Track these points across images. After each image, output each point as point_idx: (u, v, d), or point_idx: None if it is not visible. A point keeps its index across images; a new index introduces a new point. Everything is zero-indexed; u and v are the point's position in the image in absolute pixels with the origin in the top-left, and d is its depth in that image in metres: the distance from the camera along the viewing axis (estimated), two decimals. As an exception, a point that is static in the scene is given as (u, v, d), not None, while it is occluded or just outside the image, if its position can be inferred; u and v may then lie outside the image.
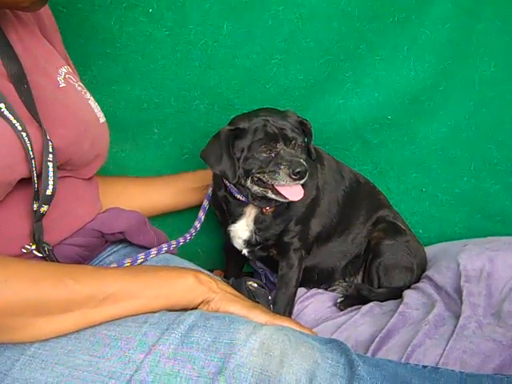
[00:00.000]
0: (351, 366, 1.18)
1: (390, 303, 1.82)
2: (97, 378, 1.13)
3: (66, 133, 1.32)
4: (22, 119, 1.20)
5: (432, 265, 1.95)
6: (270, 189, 1.65)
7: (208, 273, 1.49)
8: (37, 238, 1.29)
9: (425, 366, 1.25)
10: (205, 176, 1.93)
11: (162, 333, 1.19)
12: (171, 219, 2.06)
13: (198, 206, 1.91)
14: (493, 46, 2.03)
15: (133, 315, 1.24)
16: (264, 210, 1.76)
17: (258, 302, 1.49)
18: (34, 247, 1.30)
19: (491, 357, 1.47)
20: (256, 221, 1.78)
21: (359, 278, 1.99)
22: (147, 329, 1.20)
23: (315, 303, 1.89)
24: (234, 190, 1.74)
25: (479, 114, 2.12)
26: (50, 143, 1.24)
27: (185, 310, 1.30)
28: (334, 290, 1.99)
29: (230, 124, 1.71)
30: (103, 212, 1.56)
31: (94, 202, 1.56)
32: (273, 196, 1.66)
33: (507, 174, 2.20)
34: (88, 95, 1.50)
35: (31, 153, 1.20)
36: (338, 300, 1.87)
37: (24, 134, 1.19)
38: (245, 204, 1.77)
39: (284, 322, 1.35)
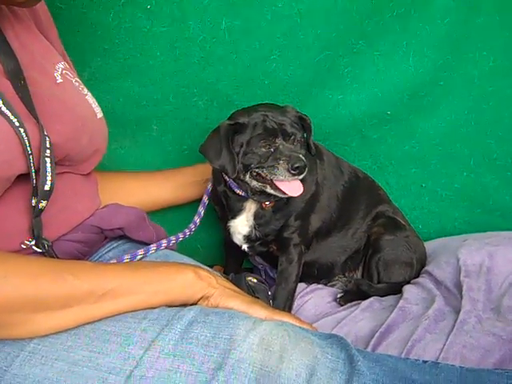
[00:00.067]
0: (351, 362, 1.18)
1: (390, 298, 1.83)
2: (96, 374, 1.13)
3: (63, 128, 1.32)
4: (20, 115, 1.20)
5: (432, 260, 1.95)
6: (268, 184, 1.65)
7: (207, 268, 1.49)
8: (36, 233, 1.29)
9: (425, 361, 1.24)
10: (204, 170, 1.93)
11: (161, 328, 1.19)
12: (171, 214, 2.05)
13: (197, 201, 1.91)
14: (492, 40, 2.02)
15: (132, 311, 1.24)
16: (264, 205, 1.76)
17: (258, 298, 1.49)
18: (33, 243, 1.30)
19: (491, 351, 1.47)
20: (256, 216, 1.78)
21: (359, 274, 2.00)
22: (147, 324, 1.20)
23: (315, 298, 1.89)
24: (233, 184, 1.74)
25: (479, 108, 2.12)
26: (47, 139, 1.25)
27: (184, 305, 1.30)
28: (333, 286, 1.99)
29: (229, 119, 1.71)
30: (102, 208, 1.56)
31: (92, 198, 1.56)
32: (272, 191, 1.66)
33: (507, 169, 2.19)
34: (85, 91, 1.50)
35: (29, 148, 1.20)
36: (338, 295, 1.87)
37: (21, 130, 1.19)
38: (244, 199, 1.77)
39: (284, 318, 1.35)
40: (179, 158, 2.03)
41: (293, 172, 1.60)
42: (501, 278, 1.71)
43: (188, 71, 1.87)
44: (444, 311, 1.66)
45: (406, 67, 2.02)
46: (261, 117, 1.65)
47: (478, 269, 1.75)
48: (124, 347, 1.16)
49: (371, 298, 1.83)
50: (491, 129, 2.15)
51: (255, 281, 1.56)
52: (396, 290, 1.86)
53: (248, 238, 1.82)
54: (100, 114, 1.52)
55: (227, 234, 1.87)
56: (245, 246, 1.86)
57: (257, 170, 1.65)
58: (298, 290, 1.87)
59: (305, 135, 1.74)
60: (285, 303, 1.78)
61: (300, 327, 1.30)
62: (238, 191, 1.74)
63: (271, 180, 1.64)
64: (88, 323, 1.20)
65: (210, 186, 1.89)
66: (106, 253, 1.56)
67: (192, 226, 1.81)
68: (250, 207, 1.78)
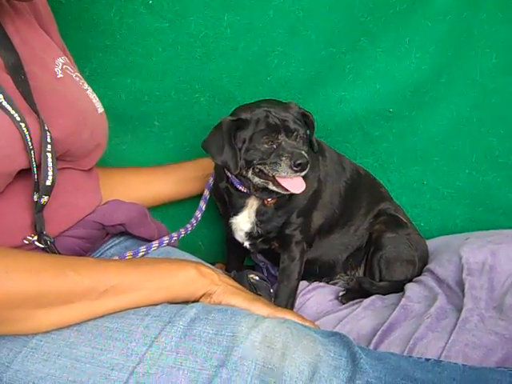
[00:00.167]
0: (354, 359, 1.18)
1: (392, 296, 1.82)
2: (99, 370, 1.13)
3: (64, 123, 1.32)
4: (20, 110, 1.20)
5: (434, 258, 1.94)
6: (271, 180, 1.64)
7: (209, 265, 1.49)
8: (38, 229, 1.29)
9: (427, 359, 1.25)
10: (206, 165, 1.92)
11: (164, 325, 1.19)
12: (172, 209, 2.05)
13: (199, 196, 1.91)
14: (494, 37, 2.02)
15: (134, 307, 1.24)
16: (266, 202, 1.75)
17: (260, 295, 1.49)
18: (35, 238, 1.30)
19: (493, 350, 1.47)
20: (258, 213, 1.77)
21: (361, 272, 1.99)
22: (149, 321, 1.20)
23: (317, 296, 1.89)
24: (235, 181, 1.74)
25: (481, 106, 2.11)
26: (48, 133, 1.24)
27: (186, 302, 1.30)
28: (335, 284, 1.99)
29: (232, 115, 1.70)
30: (104, 204, 1.56)
31: (94, 194, 1.55)
32: (274, 188, 1.65)
33: (509, 167, 2.18)
34: (86, 85, 1.50)
35: (30, 143, 1.20)
36: (340, 293, 1.87)
37: (23, 125, 1.19)
38: (247, 195, 1.76)
39: (286, 315, 1.35)
40: (180, 154, 2.02)
41: (295, 169, 1.59)
42: (503, 277, 1.70)
43: (190, 67, 1.87)
44: (446, 309, 1.65)
45: (408, 64, 2.01)
46: (263, 113, 1.64)
47: (480, 267, 1.74)
48: (127, 344, 1.16)
49: (373, 296, 1.82)
50: (493, 126, 2.14)
51: (257, 278, 1.56)
52: (398, 288, 1.85)
53: (250, 235, 1.81)
54: (101, 109, 1.51)
55: (229, 231, 1.86)
56: (246, 243, 1.85)
57: (259, 167, 1.64)
58: (299, 288, 1.86)
59: (307, 132, 1.73)
60: (287, 301, 1.77)
61: (302, 325, 1.29)
62: (240, 187, 1.74)
63: (273, 176, 1.63)
64: (90, 320, 1.20)
65: (211, 181, 1.89)
66: (107, 249, 1.56)
67: (194, 221, 1.81)
68: (252, 204, 1.77)
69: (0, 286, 1.08)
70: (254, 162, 1.64)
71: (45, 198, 1.26)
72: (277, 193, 1.67)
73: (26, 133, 1.19)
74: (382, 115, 2.08)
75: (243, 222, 1.79)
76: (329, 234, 1.91)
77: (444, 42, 2.00)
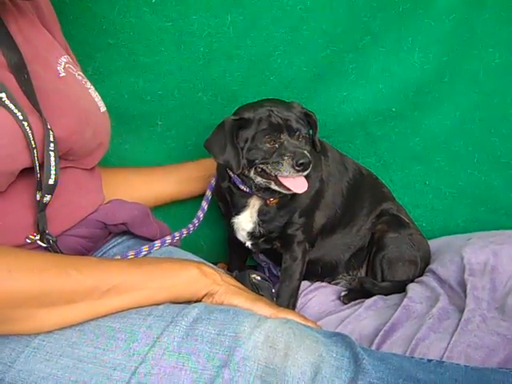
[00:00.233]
0: (356, 360, 1.17)
1: (394, 297, 1.82)
2: (101, 370, 1.13)
3: (67, 122, 1.32)
4: (23, 109, 1.20)
5: (436, 258, 1.94)
6: (273, 180, 1.64)
7: (212, 265, 1.49)
8: (41, 228, 1.29)
9: (430, 360, 1.24)
10: (208, 165, 1.92)
11: (166, 325, 1.19)
12: (174, 209, 2.05)
13: (201, 196, 1.90)
14: (498, 37, 2.01)
15: (137, 307, 1.24)
16: (268, 202, 1.75)
17: (262, 295, 1.49)
18: (37, 237, 1.30)
19: (496, 350, 1.46)
20: (260, 212, 1.77)
21: (363, 272, 1.99)
22: (151, 321, 1.20)
23: (319, 296, 1.89)
24: (238, 180, 1.73)
25: (483, 106, 2.10)
26: (50, 132, 1.25)
27: (189, 302, 1.30)
28: (337, 284, 1.99)
29: (234, 114, 1.70)
30: (106, 203, 1.56)
31: (96, 193, 1.55)
32: (276, 187, 1.65)
33: (511, 167, 2.18)
34: (88, 84, 1.50)
35: (33, 142, 1.21)
36: (342, 293, 1.87)
37: (25, 124, 1.19)
38: (249, 195, 1.76)
39: (288, 315, 1.35)
40: (183, 153, 2.02)
41: (297, 168, 1.59)
42: (505, 277, 1.70)
43: (192, 66, 1.87)
44: (448, 310, 1.65)
45: (411, 64, 2.00)
46: (266, 112, 1.64)
47: (482, 267, 1.74)
48: (129, 344, 1.16)
49: (375, 297, 1.82)
50: (496, 126, 2.14)
51: (259, 278, 1.56)
52: (400, 288, 1.84)
53: (252, 235, 1.81)
54: (103, 108, 1.51)
55: (231, 231, 1.86)
56: (248, 243, 1.85)
57: (261, 166, 1.64)
58: (301, 288, 1.86)
59: (310, 132, 1.73)
60: (288, 301, 1.77)
61: (305, 325, 1.29)
62: (242, 187, 1.74)
63: (276, 176, 1.63)
64: (92, 319, 1.20)
65: (213, 181, 1.89)
66: (110, 248, 1.56)
67: (196, 221, 1.80)
68: (254, 203, 1.77)
69: (2, 285, 1.08)
70: (256, 161, 1.64)
71: (47, 197, 1.27)
72: (279, 192, 1.67)
73: (29, 132, 1.19)
74: (385, 115, 2.08)
75: (245, 222, 1.79)
76: (331, 234, 1.91)
77: (447, 42, 1.99)
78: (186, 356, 1.15)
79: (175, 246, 1.68)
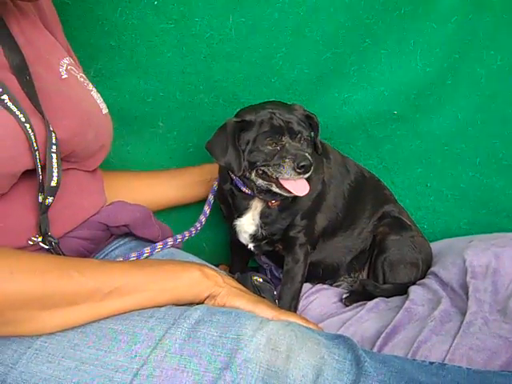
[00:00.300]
0: (358, 362, 1.17)
1: (396, 299, 1.82)
2: (103, 372, 1.13)
3: (69, 124, 1.32)
4: (25, 111, 1.20)
5: (437, 261, 1.94)
6: (274, 182, 1.64)
7: (214, 267, 1.49)
8: (43, 229, 1.29)
9: (432, 363, 1.24)
10: (211, 169, 1.92)
11: (168, 327, 1.19)
12: (176, 213, 2.05)
13: (203, 200, 1.90)
14: (499, 39, 2.02)
15: (139, 309, 1.24)
16: (270, 204, 1.75)
17: (264, 297, 1.49)
18: (40, 239, 1.30)
19: (497, 353, 1.46)
20: (262, 215, 1.77)
21: (364, 274, 1.99)
22: (153, 323, 1.20)
23: (320, 299, 1.89)
24: (239, 182, 1.73)
25: (485, 108, 2.11)
26: (53, 134, 1.24)
27: (191, 304, 1.30)
28: (338, 286, 1.99)
29: (236, 116, 1.70)
30: (108, 205, 1.56)
31: (98, 195, 1.55)
32: (277, 190, 1.65)
33: (513, 169, 2.19)
34: (90, 86, 1.50)
35: (35, 144, 1.20)
36: (344, 296, 1.87)
37: (27, 126, 1.19)
38: (251, 197, 1.76)
39: (290, 317, 1.35)
40: (185, 154, 2.02)
41: (298, 171, 1.59)
42: (507, 280, 1.70)
43: (194, 68, 1.87)
44: (450, 312, 1.65)
45: (413, 66, 2.01)
46: (268, 114, 1.64)
47: (484, 270, 1.73)
48: (131, 346, 1.16)
49: (377, 299, 1.82)
50: (497, 129, 2.15)
51: (261, 280, 1.56)
52: (402, 290, 1.85)
53: (254, 237, 1.81)
54: (105, 110, 1.51)
55: (233, 233, 1.86)
56: (251, 245, 1.85)
57: (262, 168, 1.64)
58: (303, 290, 1.86)
59: (312, 134, 1.73)
60: (290, 303, 1.77)
61: (307, 327, 1.29)
62: (244, 189, 1.74)
63: (277, 178, 1.63)
64: (94, 321, 1.20)
65: (215, 185, 1.89)
66: (112, 250, 1.56)
67: (198, 225, 1.80)
68: (256, 206, 1.77)
69: (5, 287, 1.08)
70: (258, 163, 1.64)
71: (49, 199, 1.26)
72: (281, 195, 1.67)
73: (31, 133, 1.19)
74: (387, 117, 2.08)
75: (247, 224, 1.79)
76: (333, 237, 1.91)
77: (449, 44, 2.00)
78: (187, 358, 1.15)
79: (177, 247, 1.68)
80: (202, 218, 1.83)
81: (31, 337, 1.17)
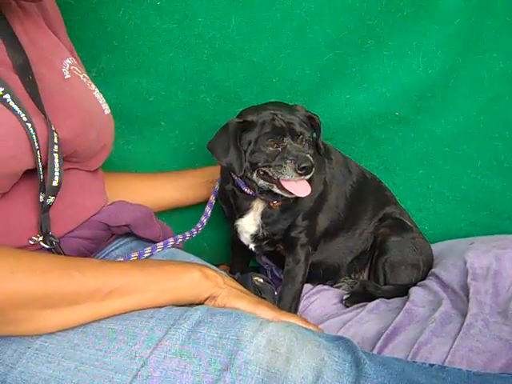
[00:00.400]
0: (358, 364, 1.17)
1: (397, 300, 1.82)
2: (103, 373, 1.13)
3: (71, 124, 1.32)
4: (28, 110, 1.20)
5: (438, 262, 1.94)
6: (275, 183, 1.64)
7: (214, 268, 1.48)
8: (44, 229, 1.29)
9: (432, 365, 1.24)
10: (213, 172, 1.92)
11: (168, 328, 1.18)
12: (177, 214, 2.04)
13: (205, 202, 1.90)
14: (502, 42, 2.02)
15: (139, 309, 1.24)
16: (271, 204, 1.75)
17: (264, 298, 1.49)
18: (40, 239, 1.30)
19: (498, 355, 1.46)
20: (263, 215, 1.77)
21: (365, 275, 1.99)
22: (154, 324, 1.20)
23: (321, 299, 1.88)
24: (241, 183, 1.74)
25: (487, 110, 2.11)
26: (55, 134, 1.24)
27: (191, 305, 1.30)
28: (339, 287, 1.99)
29: (238, 116, 1.70)
30: (109, 205, 1.56)
31: (100, 194, 1.55)
32: (278, 191, 1.65)
33: (514, 172, 2.19)
34: (93, 86, 1.50)
35: (36, 144, 1.20)
36: (344, 297, 1.87)
37: (29, 125, 1.19)
38: (252, 198, 1.76)
39: (290, 319, 1.34)
40: (186, 154, 2.03)
41: (299, 172, 1.59)
42: (508, 282, 1.70)
43: (196, 68, 1.87)
44: (451, 314, 1.65)
45: (415, 68, 2.01)
46: (270, 115, 1.64)
47: (485, 272, 1.74)
48: (131, 346, 1.16)
49: (377, 300, 1.82)
50: (499, 131, 2.15)
51: (261, 281, 1.56)
52: (402, 291, 1.85)
53: (255, 238, 1.81)
54: (107, 110, 1.51)
55: (234, 233, 1.86)
56: (252, 246, 1.85)
57: (264, 169, 1.64)
58: (303, 290, 1.86)
59: (314, 135, 1.72)
60: (291, 304, 1.77)
61: (307, 329, 1.29)
62: (245, 190, 1.74)
63: (278, 179, 1.63)
64: (95, 321, 1.20)
65: (217, 186, 1.89)
66: (112, 250, 1.56)
67: (199, 225, 1.80)
68: (258, 206, 1.77)
69: (5, 287, 1.08)
70: (259, 164, 1.64)
71: (51, 199, 1.26)
72: (282, 195, 1.67)
73: (33, 133, 1.19)
74: (388, 119, 2.08)
75: (249, 225, 1.79)
76: (334, 237, 1.91)
77: (451, 46, 2.00)
78: (187, 359, 1.15)
79: (178, 248, 1.68)
80: (204, 219, 1.83)
81: (31, 337, 1.17)
